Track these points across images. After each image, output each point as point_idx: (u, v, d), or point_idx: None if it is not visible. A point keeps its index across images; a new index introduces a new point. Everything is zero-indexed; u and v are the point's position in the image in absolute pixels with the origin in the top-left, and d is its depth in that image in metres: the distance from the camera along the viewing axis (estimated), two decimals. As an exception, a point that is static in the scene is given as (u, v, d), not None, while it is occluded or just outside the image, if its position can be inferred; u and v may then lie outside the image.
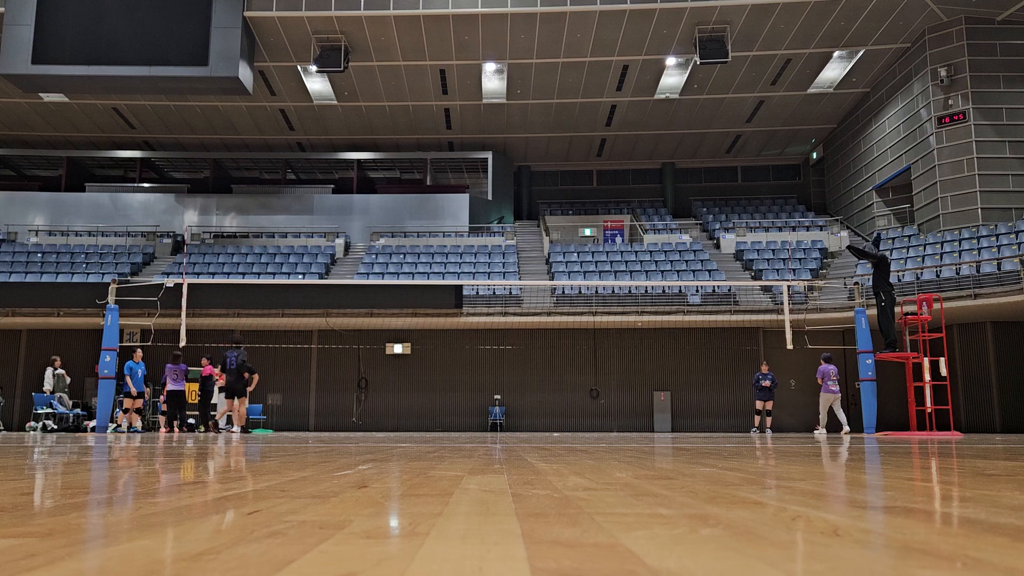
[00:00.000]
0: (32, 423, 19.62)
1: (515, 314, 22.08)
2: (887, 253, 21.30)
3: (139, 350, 16.69)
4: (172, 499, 2.06)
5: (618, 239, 29.93)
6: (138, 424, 16.50)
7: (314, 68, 23.13)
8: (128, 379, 16.03)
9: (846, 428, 15.82)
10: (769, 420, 17.96)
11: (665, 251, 26.28)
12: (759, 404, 17.81)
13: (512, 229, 28.93)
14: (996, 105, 22.45)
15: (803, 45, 23.46)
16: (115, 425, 16.89)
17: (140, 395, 16.26)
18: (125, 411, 16.17)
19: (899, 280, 20.34)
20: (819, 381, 16.32)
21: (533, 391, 23.14)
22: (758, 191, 32.48)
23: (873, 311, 16.75)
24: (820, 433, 15.75)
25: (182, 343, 15.60)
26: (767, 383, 17.61)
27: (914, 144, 23.84)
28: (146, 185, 31.28)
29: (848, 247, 15.31)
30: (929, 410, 15.11)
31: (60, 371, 19.80)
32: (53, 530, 1.44)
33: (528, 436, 13.50)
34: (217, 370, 17.08)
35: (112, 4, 21.67)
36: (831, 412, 16.28)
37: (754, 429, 18.14)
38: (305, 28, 22.56)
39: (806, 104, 27.30)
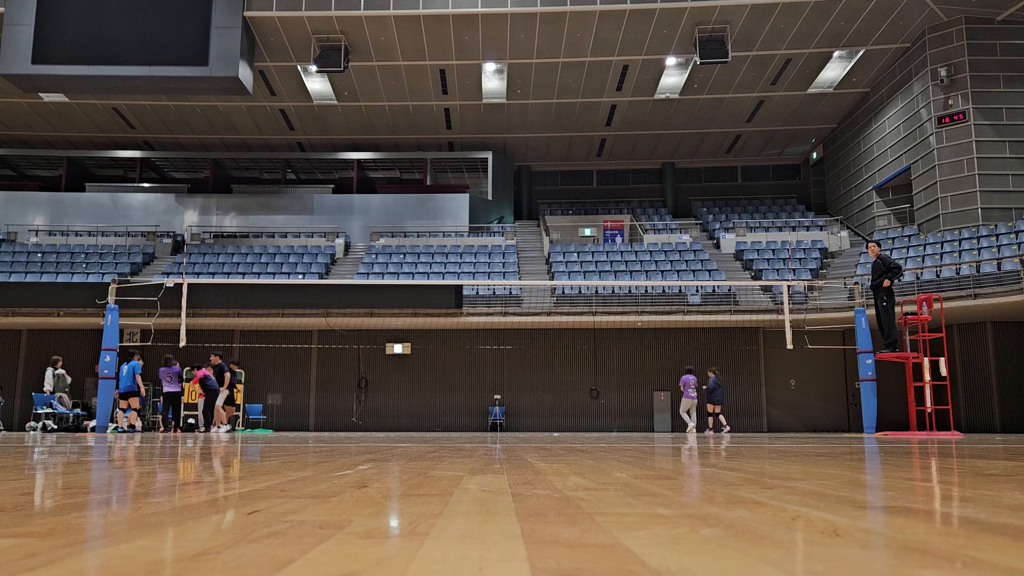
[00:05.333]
0: (32, 423, 19.61)
1: (515, 314, 22.08)
2: (888, 252, 21.31)
3: (136, 351, 16.76)
4: (172, 499, 2.06)
5: (618, 239, 29.93)
6: (137, 424, 16.50)
7: (314, 68, 23.13)
8: (138, 378, 16.13)
9: (692, 427, 18.32)
10: (711, 421, 18.23)
11: (665, 251, 26.27)
12: (710, 407, 18.40)
13: (512, 229, 28.93)
14: (996, 105, 22.45)
15: (803, 45, 23.46)
16: (115, 425, 16.89)
17: (130, 394, 16.26)
18: (135, 411, 16.21)
19: (899, 280, 20.32)
20: (681, 388, 18.66)
21: (533, 391, 23.14)
22: (758, 191, 32.48)
23: (872, 311, 16.74)
24: (691, 431, 17.81)
25: (182, 343, 15.60)
26: (705, 387, 18.69)
27: (914, 144, 23.83)
28: (146, 185, 31.29)
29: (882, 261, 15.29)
30: (929, 410, 15.10)
31: (61, 371, 19.79)
32: (53, 530, 1.44)
33: (528, 436, 13.50)
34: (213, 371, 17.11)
35: (112, 4, 21.67)
36: (689, 413, 18.67)
37: (709, 431, 18.20)
38: (305, 28, 22.56)
39: (806, 104, 27.29)
